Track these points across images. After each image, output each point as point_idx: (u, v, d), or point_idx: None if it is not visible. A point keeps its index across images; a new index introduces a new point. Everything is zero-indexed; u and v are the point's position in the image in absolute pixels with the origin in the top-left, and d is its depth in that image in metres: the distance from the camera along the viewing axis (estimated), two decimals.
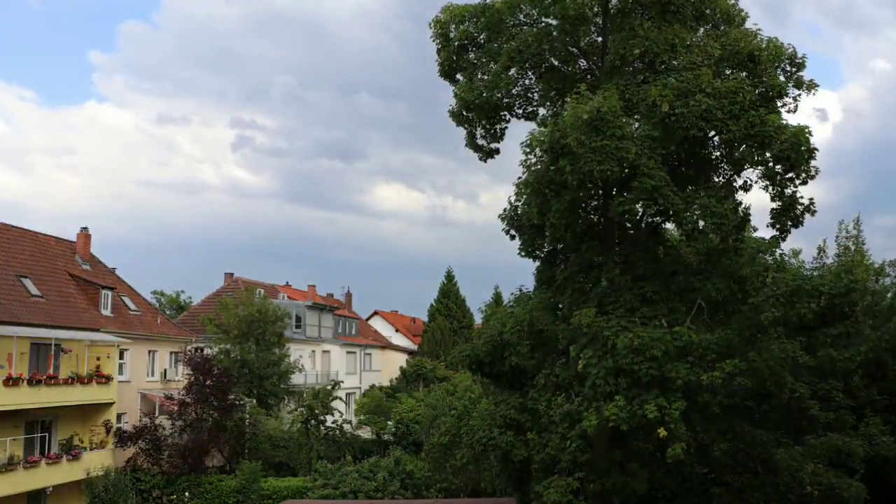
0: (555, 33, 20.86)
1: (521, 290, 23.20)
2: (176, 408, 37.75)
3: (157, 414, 38.51)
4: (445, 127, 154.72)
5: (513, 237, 21.07)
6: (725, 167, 19.87)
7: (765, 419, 22.03)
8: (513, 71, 21.19)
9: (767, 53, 18.53)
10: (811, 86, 19.05)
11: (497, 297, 41.08)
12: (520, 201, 20.16)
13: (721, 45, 18.70)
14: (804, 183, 18.64)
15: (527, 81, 21.75)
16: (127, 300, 41.93)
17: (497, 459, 22.23)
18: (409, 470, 34.40)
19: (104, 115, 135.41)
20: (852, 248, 34.48)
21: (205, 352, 41.85)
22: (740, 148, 18.49)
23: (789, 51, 18.90)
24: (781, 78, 18.80)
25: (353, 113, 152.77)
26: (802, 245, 56.16)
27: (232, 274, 60.56)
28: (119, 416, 37.00)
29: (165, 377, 42.45)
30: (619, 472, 19.27)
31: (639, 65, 19.92)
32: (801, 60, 18.97)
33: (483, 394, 32.97)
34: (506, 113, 22.04)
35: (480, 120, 22.02)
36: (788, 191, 18.81)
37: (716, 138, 18.89)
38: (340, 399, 46.06)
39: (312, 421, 40.41)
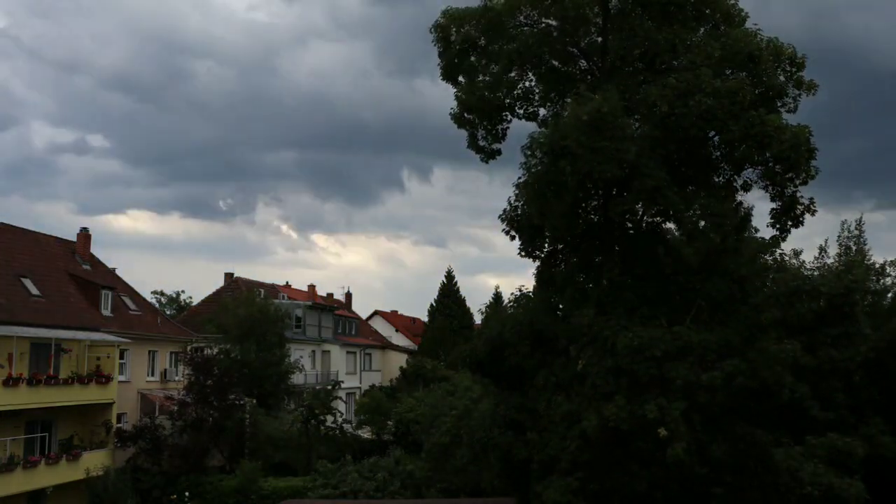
0: (555, 34, 20.89)
1: (520, 291, 23.22)
2: (176, 408, 37.74)
3: (157, 414, 38.48)
4: None
5: (513, 237, 21.07)
6: (725, 167, 19.87)
7: (765, 419, 21.99)
8: (513, 72, 21.22)
9: (767, 53, 18.56)
10: (811, 86, 19.07)
11: (497, 297, 41.02)
12: (520, 202, 20.16)
13: (721, 45, 18.73)
14: (804, 183, 18.66)
15: (527, 82, 21.81)
16: (127, 300, 41.89)
17: (497, 459, 22.21)
18: (409, 470, 34.35)
19: None
20: (853, 247, 34.50)
21: (205, 352, 41.81)
22: (740, 148, 18.49)
23: (789, 51, 18.92)
24: (781, 78, 18.82)
25: None
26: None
27: (232, 274, 60.59)
28: (119, 416, 36.97)
29: (165, 377, 42.41)
30: (619, 471, 19.25)
31: (639, 65, 19.97)
32: (800, 60, 18.99)
33: (483, 394, 32.98)
34: (507, 113, 22.07)
35: (482, 121, 22.06)
36: (788, 191, 18.84)
37: (716, 138, 18.92)
38: (340, 399, 46.08)
39: (312, 421, 40.36)
